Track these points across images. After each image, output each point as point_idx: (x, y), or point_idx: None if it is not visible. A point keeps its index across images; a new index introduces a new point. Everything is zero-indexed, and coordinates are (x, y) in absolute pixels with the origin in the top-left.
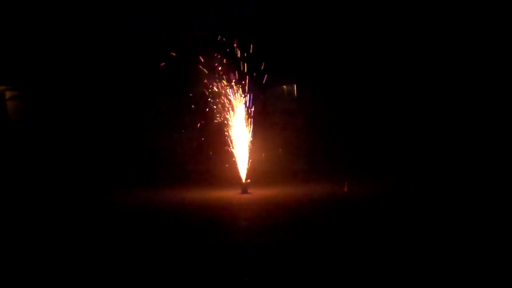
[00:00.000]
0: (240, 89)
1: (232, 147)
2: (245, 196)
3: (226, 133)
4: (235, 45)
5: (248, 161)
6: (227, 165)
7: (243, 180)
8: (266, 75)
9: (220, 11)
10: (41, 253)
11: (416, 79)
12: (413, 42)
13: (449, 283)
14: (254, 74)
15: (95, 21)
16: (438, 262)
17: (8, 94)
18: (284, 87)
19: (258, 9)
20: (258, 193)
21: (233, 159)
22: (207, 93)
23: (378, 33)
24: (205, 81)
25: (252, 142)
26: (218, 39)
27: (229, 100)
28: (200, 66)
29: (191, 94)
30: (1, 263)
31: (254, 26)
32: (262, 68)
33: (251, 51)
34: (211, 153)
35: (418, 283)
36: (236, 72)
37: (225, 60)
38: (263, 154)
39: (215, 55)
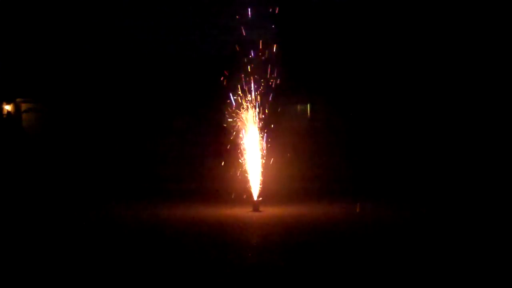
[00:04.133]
0: (254, 107)
1: (244, 164)
2: (256, 214)
3: (239, 150)
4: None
5: (260, 179)
6: (238, 175)
7: (255, 198)
8: (279, 94)
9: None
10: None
11: (432, 101)
12: (430, 60)
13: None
14: (267, 91)
15: (108, 33)
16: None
17: (23, 106)
18: (298, 106)
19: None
20: (269, 212)
21: (245, 175)
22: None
23: (390, 50)
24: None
25: (265, 160)
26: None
27: (242, 117)
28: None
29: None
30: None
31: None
32: (275, 87)
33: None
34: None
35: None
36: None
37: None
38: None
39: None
